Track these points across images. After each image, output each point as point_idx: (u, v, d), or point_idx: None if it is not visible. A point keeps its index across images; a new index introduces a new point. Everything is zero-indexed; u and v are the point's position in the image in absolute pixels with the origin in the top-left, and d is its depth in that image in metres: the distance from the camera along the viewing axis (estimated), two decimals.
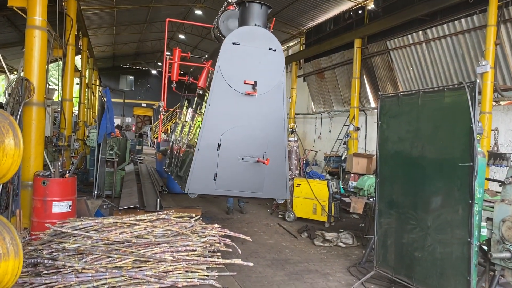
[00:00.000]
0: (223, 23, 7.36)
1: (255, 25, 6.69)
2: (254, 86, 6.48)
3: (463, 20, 11.74)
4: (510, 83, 11.04)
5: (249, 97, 6.54)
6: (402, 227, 5.23)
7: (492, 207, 4.62)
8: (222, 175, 6.46)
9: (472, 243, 4.21)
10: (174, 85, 7.35)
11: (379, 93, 5.69)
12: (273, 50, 6.67)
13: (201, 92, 7.59)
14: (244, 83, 6.48)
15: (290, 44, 22.80)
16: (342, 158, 16.10)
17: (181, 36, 28.27)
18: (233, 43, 6.50)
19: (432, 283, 4.74)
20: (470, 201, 4.24)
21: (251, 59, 6.58)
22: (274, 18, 8.08)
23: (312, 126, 21.21)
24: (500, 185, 4.51)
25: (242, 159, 6.52)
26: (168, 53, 8.56)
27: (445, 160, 4.61)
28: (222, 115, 6.49)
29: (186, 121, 8.62)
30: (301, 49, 21.19)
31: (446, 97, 4.57)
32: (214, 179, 6.45)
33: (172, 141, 10.54)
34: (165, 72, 7.39)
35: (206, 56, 8.78)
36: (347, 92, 17.77)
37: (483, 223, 4.81)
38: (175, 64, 7.35)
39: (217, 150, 6.41)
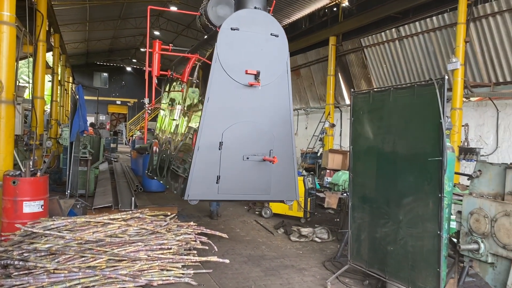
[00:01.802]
0: (211, 10, 6.82)
1: (255, 8, 6.04)
2: (257, 76, 5.85)
3: (434, 18, 12.01)
4: (480, 80, 11.36)
5: (252, 89, 5.91)
6: (375, 221, 5.33)
7: (462, 201, 4.75)
8: (226, 177, 5.85)
9: (441, 235, 4.32)
10: (155, 81, 6.58)
11: (352, 90, 5.76)
12: (275, 36, 6.04)
13: (193, 85, 6.95)
14: (246, 73, 5.86)
15: None
16: (318, 154, 16.25)
17: (156, 33, 27.92)
18: (232, 29, 5.82)
19: (404, 275, 4.84)
20: (439, 195, 4.34)
21: (252, 46, 5.94)
22: (275, 1, 7.31)
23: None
24: (468, 179, 4.64)
25: (247, 158, 5.92)
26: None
27: (415, 155, 4.71)
28: (223, 110, 5.87)
29: (175, 119, 7.82)
30: None
31: (417, 93, 4.67)
32: (216, 182, 5.82)
33: (154, 141, 9.47)
34: (147, 67, 6.60)
35: (191, 48, 8.02)
36: (323, 89, 17.93)
37: (453, 216, 4.95)
38: (156, 56, 6.47)
39: (219, 149, 5.80)
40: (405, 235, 4.82)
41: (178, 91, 7.85)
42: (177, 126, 7.54)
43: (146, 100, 6.52)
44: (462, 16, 10.66)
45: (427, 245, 4.53)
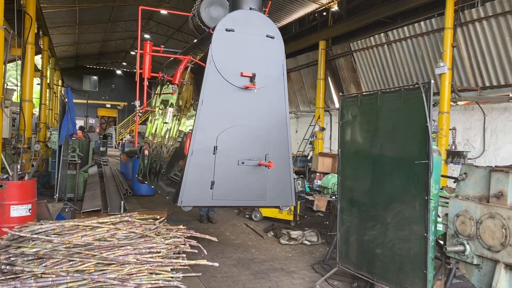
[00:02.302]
0: (204, 11, 6.67)
1: (250, 8, 5.89)
2: (252, 78, 5.70)
3: (422, 23, 12.18)
4: (467, 84, 11.52)
5: (247, 92, 5.78)
6: (363, 224, 5.37)
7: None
8: (220, 182, 5.69)
9: (428, 238, 4.37)
10: (146, 82, 6.43)
11: (340, 93, 5.82)
12: (271, 37, 5.92)
13: (185, 88, 6.81)
14: (241, 75, 5.72)
15: None
16: (308, 157, 16.32)
17: (147, 36, 27.85)
18: (226, 30, 5.66)
19: (391, 278, 4.88)
20: (426, 197, 4.39)
21: (248, 48, 5.80)
22: (270, 1, 7.17)
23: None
24: (454, 182, 4.71)
25: (242, 163, 5.74)
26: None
27: (402, 158, 4.77)
28: (218, 113, 5.72)
29: (166, 122, 7.65)
30: None
31: (403, 97, 4.73)
32: (211, 188, 5.64)
33: (145, 145, 9.29)
34: (138, 68, 6.50)
35: (183, 50, 7.98)
36: (313, 93, 18.04)
37: (440, 219, 5.01)
38: (147, 57, 6.33)
39: (213, 154, 5.62)
40: (393, 237, 4.87)
41: (169, 93, 7.73)
42: (168, 129, 7.42)
43: (137, 103, 6.39)
44: (449, 21, 10.83)
45: (414, 247, 4.58)
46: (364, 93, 5.43)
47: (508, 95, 10.47)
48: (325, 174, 11.76)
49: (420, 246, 4.48)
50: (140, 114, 6.86)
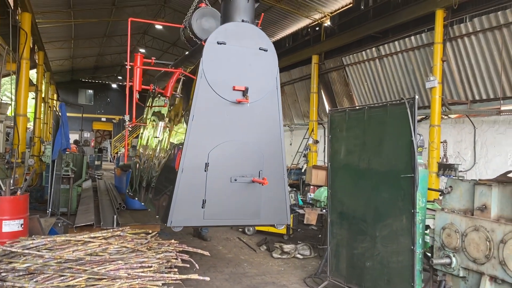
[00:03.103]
0: (196, 22, 6.56)
1: (243, 21, 5.73)
2: (245, 92, 5.50)
3: (412, 37, 12.38)
4: (457, 97, 11.69)
5: (240, 106, 5.57)
6: (352, 237, 5.43)
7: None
8: (212, 201, 5.44)
9: (415, 250, 4.43)
10: (137, 95, 6.28)
11: (329, 108, 5.92)
12: (264, 50, 5.72)
13: (176, 101, 6.61)
14: (233, 89, 5.52)
15: None
16: (302, 170, 16.39)
17: (142, 50, 28.07)
18: (218, 43, 5.48)
19: None
20: (412, 211, 4.47)
21: (240, 61, 5.61)
22: (263, 14, 7.15)
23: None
24: (440, 195, 4.79)
25: (235, 180, 5.51)
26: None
27: (389, 171, 4.86)
28: (209, 128, 5.51)
29: (157, 136, 7.40)
30: None
31: (389, 112, 4.84)
32: (202, 207, 5.40)
33: (136, 160, 9.13)
34: (128, 81, 6.37)
35: (174, 62, 7.82)
36: (306, 106, 18.19)
37: (426, 231, 5.08)
38: (137, 71, 6.20)
39: (205, 171, 5.39)
40: (381, 250, 4.93)
41: (161, 106, 7.63)
42: (159, 144, 7.26)
43: (127, 117, 6.24)
44: (439, 36, 11.03)
45: (401, 260, 4.65)
46: (351, 108, 5.54)
47: (498, 108, 10.63)
48: (319, 187, 11.82)
49: (408, 259, 4.54)
50: (130, 129, 6.68)
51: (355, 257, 5.38)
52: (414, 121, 4.44)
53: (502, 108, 10.55)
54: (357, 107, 5.47)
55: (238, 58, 5.62)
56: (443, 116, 11.52)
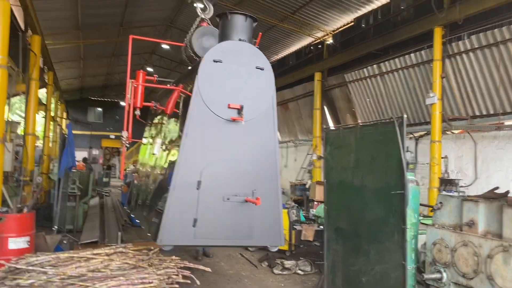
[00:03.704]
0: (196, 41, 6.61)
1: (240, 40, 5.74)
2: (240, 111, 5.43)
3: (412, 54, 12.58)
4: (457, 113, 11.79)
5: (235, 124, 5.51)
6: (347, 252, 5.54)
7: None
8: (204, 220, 5.31)
9: (406, 266, 4.54)
10: (138, 112, 6.24)
11: (324, 126, 6.09)
12: (260, 69, 5.69)
13: (172, 118, 6.63)
14: (228, 107, 5.45)
15: None
16: (307, 186, 16.46)
17: (149, 69, 28.59)
18: (214, 61, 5.48)
19: None
20: (403, 226, 4.58)
21: (236, 79, 5.59)
22: (261, 33, 7.21)
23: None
24: (431, 211, 4.90)
25: (228, 199, 5.40)
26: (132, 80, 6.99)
27: (381, 188, 4.99)
28: (202, 146, 5.44)
29: (154, 154, 7.40)
30: None
31: (380, 130, 5.00)
32: (193, 226, 5.29)
33: (134, 177, 9.26)
34: (127, 98, 6.26)
35: (175, 79, 7.84)
36: (310, 122, 18.36)
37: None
38: (139, 88, 6.20)
39: (197, 189, 5.30)
40: (375, 265, 5.03)
41: (161, 123, 7.67)
42: (155, 161, 7.24)
43: (124, 133, 6.21)
44: (438, 53, 11.20)
45: (394, 276, 4.74)
46: (344, 126, 5.71)
47: (500, 123, 10.71)
48: (322, 202, 11.92)
49: (399, 274, 4.64)
50: (127, 145, 6.67)
51: (351, 273, 5.48)
52: (403, 139, 4.59)
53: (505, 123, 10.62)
54: (350, 126, 5.63)
55: (234, 76, 5.61)
56: (449, 132, 11.63)
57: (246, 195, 5.45)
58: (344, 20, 15.70)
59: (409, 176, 4.76)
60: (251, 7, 15.43)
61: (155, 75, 6.85)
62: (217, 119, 5.47)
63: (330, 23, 16.16)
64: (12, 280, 5.02)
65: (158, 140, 7.50)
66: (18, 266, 5.22)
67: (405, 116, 4.70)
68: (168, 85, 7.03)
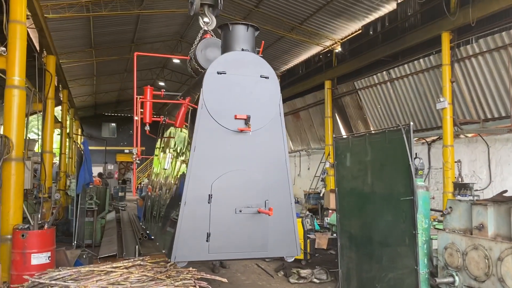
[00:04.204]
0: (200, 53, 6.66)
1: (242, 50, 5.74)
2: (247, 121, 5.40)
3: (421, 60, 12.62)
4: (469, 117, 11.78)
5: (242, 135, 5.47)
6: (361, 259, 5.61)
7: None
8: (217, 234, 5.26)
9: (418, 270, 4.60)
10: (147, 127, 6.23)
11: (334, 135, 6.19)
12: (265, 78, 5.66)
13: (181, 132, 6.65)
14: (235, 118, 5.43)
15: None
16: (321, 194, 16.50)
17: (161, 83, 29.02)
18: (218, 73, 5.47)
19: None
20: (414, 232, 4.65)
21: (241, 89, 5.55)
22: (263, 41, 7.20)
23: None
24: (441, 216, 4.96)
25: (240, 211, 5.34)
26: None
27: (391, 195, 5.07)
28: (211, 159, 5.39)
29: (165, 169, 7.41)
30: None
31: (388, 138, 5.09)
32: (207, 240, 5.23)
33: (148, 192, 9.24)
34: (136, 114, 6.24)
35: (183, 93, 7.82)
36: (322, 131, 18.43)
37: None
38: (148, 104, 6.16)
39: (208, 203, 5.25)
40: (388, 271, 5.09)
41: (170, 137, 7.69)
42: (166, 175, 7.17)
43: (134, 150, 6.19)
44: (446, 58, 11.24)
45: (407, 281, 4.80)
46: (353, 135, 5.80)
47: (509, 126, 10.67)
48: None
49: (412, 279, 4.70)
50: (138, 162, 6.70)
51: (364, 279, 5.54)
52: (410, 146, 4.68)
53: None
54: (359, 134, 5.73)
55: (239, 86, 5.58)
56: (463, 136, 11.61)
57: (258, 206, 5.40)
58: (352, 28, 15.85)
59: (418, 182, 4.84)
60: (260, 19, 15.69)
61: (162, 90, 6.98)
62: (225, 131, 5.45)
63: (338, 32, 16.32)
64: None
65: (169, 154, 7.55)
66: (41, 281, 5.41)
67: (411, 123, 4.79)
68: (176, 99, 7.08)
